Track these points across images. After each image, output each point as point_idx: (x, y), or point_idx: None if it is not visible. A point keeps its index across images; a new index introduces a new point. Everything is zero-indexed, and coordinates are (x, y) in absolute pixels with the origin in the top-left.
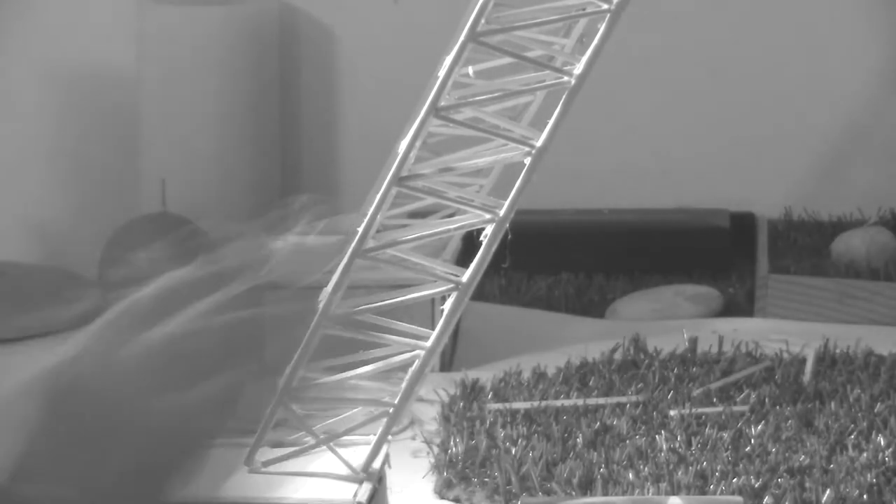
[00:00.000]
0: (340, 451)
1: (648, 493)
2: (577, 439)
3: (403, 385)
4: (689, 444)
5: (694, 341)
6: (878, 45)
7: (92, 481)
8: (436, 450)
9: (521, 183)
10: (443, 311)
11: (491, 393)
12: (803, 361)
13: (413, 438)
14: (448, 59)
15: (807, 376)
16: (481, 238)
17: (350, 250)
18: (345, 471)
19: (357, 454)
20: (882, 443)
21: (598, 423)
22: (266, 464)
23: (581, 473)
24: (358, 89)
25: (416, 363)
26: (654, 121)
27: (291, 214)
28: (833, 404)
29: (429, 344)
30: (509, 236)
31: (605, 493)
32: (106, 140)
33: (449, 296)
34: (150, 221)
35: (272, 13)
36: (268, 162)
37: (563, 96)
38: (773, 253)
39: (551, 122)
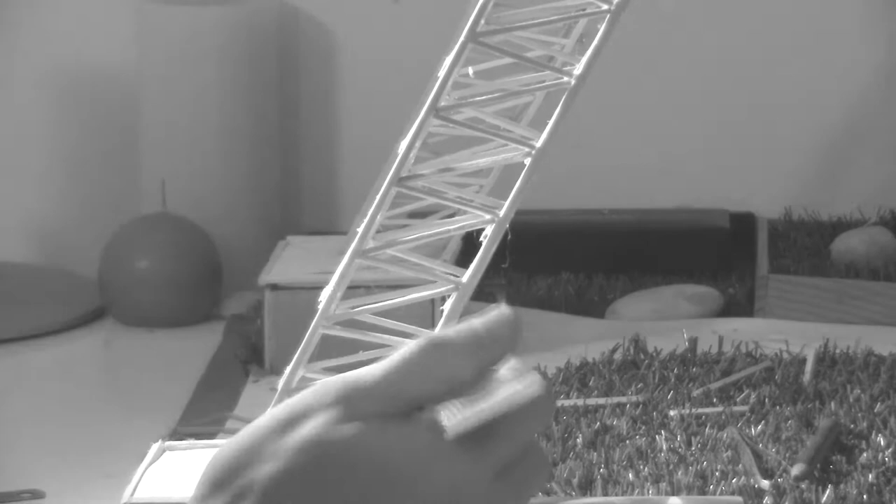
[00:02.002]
0: None
1: (648, 493)
2: (577, 439)
3: None
4: (689, 444)
5: (694, 341)
6: (878, 44)
7: None
8: None
9: (521, 183)
10: (443, 311)
11: None
12: (803, 361)
13: None
14: (448, 59)
15: (807, 376)
16: (481, 238)
17: (350, 250)
18: None
19: None
20: (882, 443)
21: (598, 424)
22: None
23: (581, 473)
24: (358, 89)
25: None
26: (654, 121)
27: None
28: (833, 404)
29: None
30: (509, 236)
31: (605, 494)
32: (106, 140)
33: (449, 296)
34: (150, 221)
35: (272, 13)
36: (268, 162)
37: (563, 97)
38: (773, 253)
39: (551, 122)
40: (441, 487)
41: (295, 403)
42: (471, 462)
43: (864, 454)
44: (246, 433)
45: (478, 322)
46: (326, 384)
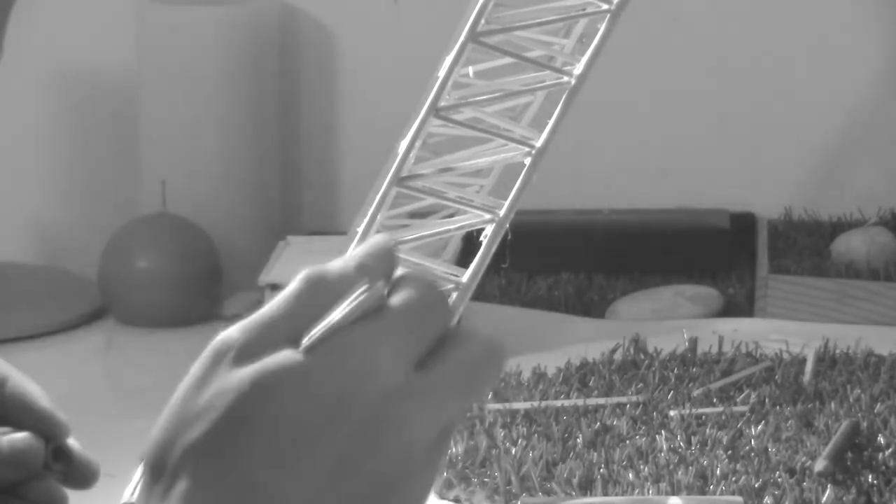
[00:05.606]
0: None
1: (648, 493)
2: (577, 439)
3: None
4: (689, 444)
5: (694, 341)
6: (879, 45)
7: None
8: None
9: (521, 183)
10: None
11: (491, 393)
12: (803, 361)
13: None
14: (448, 59)
15: (807, 376)
16: (481, 238)
17: (350, 250)
18: None
19: None
20: (882, 443)
21: (598, 424)
22: None
23: (581, 473)
24: (358, 89)
25: None
26: (654, 121)
27: None
28: (833, 404)
29: None
30: (509, 236)
31: (605, 494)
32: (106, 140)
33: (449, 296)
34: (150, 221)
35: (272, 13)
36: (268, 162)
37: (563, 96)
38: (773, 253)
39: (551, 122)
40: (365, 399)
41: (198, 365)
42: (383, 360)
43: (864, 454)
44: (165, 412)
45: (357, 251)
46: (219, 340)
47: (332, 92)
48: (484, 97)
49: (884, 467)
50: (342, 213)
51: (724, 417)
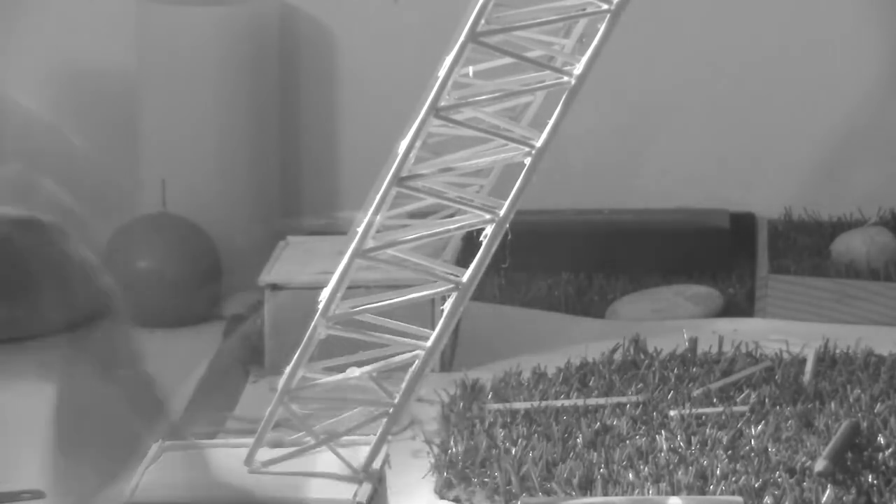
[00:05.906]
0: (340, 451)
1: (648, 493)
2: (577, 439)
3: (403, 385)
4: (689, 443)
5: (694, 341)
6: (879, 46)
7: None
8: (436, 450)
9: (521, 183)
10: (443, 311)
11: (491, 393)
12: (803, 361)
13: (413, 438)
14: (448, 59)
15: (807, 376)
16: (481, 238)
17: (350, 250)
18: (345, 471)
19: (357, 454)
20: (882, 443)
21: (598, 424)
22: (266, 464)
23: (581, 473)
24: (358, 89)
25: (416, 363)
26: (655, 121)
27: None
28: (833, 404)
29: (429, 344)
30: (509, 236)
31: (605, 493)
32: (106, 140)
33: (449, 296)
34: (150, 221)
35: (272, 13)
36: (267, 162)
37: (563, 96)
38: (773, 253)
39: (551, 122)
40: None
41: None
42: None
43: (864, 454)
44: None
45: None
46: None
47: (332, 92)
48: (484, 97)
49: (884, 467)
50: (342, 213)
51: (724, 417)
